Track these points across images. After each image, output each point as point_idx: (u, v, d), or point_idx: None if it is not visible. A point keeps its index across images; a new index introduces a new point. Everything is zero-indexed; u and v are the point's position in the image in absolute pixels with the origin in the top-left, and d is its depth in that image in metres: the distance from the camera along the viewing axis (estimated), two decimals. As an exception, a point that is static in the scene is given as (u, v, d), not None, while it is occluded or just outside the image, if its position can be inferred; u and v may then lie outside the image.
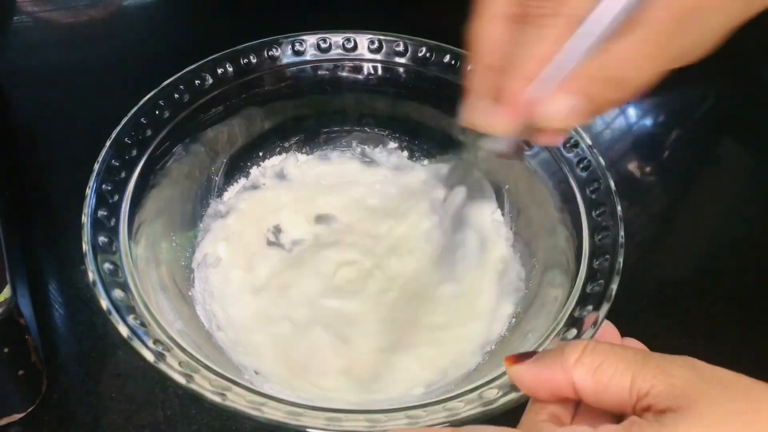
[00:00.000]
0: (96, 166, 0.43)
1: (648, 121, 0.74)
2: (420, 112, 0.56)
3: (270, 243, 0.54)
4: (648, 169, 0.69)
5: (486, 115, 0.36)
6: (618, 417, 0.30)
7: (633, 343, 0.36)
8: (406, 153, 0.58)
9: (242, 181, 0.56)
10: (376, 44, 0.54)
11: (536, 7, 0.32)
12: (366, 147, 0.58)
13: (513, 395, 0.34)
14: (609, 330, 0.37)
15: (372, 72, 0.54)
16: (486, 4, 0.35)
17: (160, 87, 0.48)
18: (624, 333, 0.38)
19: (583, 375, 0.30)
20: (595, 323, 0.37)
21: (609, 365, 0.29)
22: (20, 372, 0.45)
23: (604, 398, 0.29)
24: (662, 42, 0.31)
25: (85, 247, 0.39)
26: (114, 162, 0.43)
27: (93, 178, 0.42)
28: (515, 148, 0.37)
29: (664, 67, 0.31)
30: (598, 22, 0.31)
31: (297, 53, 0.53)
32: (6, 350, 0.43)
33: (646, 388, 0.28)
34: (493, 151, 0.38)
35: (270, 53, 0.52)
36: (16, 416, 0.47)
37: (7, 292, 0.42)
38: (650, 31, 0.31)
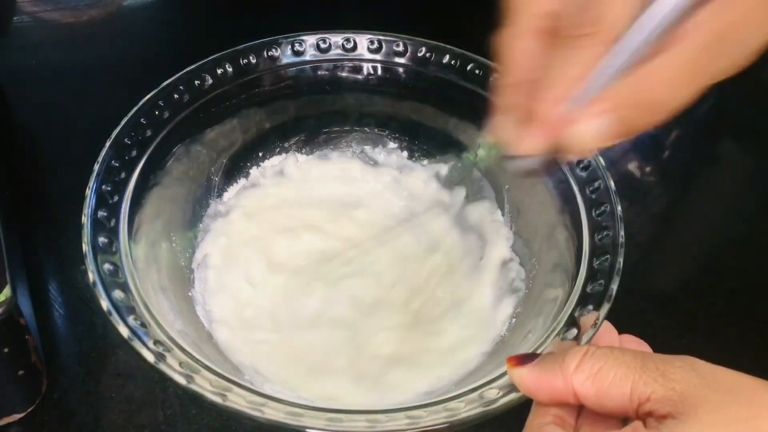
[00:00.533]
0: (96, 167, 0.43)
1: (648, 121, 0.74)
2: (420, 112, 0.56)
3: (270, 244, 0.53)
4: (648, 169, 0.69)
5: (516, 136, 0.34)
6: (623, 419, 0.30)
7: (631, 339, 0.36)
8: (405, 153, 0.58)
9: (242, 182, 0.56)
10: (376, 44, 0.54)
11: (572, 27, 0.31)
12: (366, 147, 0.58)
13: (513, 396, 0.34)
14: (606, 330, 0.37)
15: (372, 72, 0.54)
16: (518, 18, 0.34)
17: (159, 87, 0.48)
18: (624, 333, 0.38)
19: (583, 381, 0.30)
20: (595, 323, 0.37)
21: (608, 370, 0.29)
22: (20, 372, 0.45)
23: (605, 403, 0.29)
24: (699, 62, 0.29)
25: (85, 247, 0.39)
26: (114, 162, 0.43)
27: (93, 179, 0.42)
28: (543, 166, 0.35)
29: (700, 87, 0.30)
30: (633, 41, 0.30)
31: (297, 53, 0.53)
32: (6, 350, 0.43)
33: (647, 394, 0.28)
34: (520, 170, 0.36)
35: (270, 53, 0.52)
36: (16, 416, 0.47)
37: (7, 292, 0.42)
38: (687, 51, 0.29)
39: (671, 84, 0.30)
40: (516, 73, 0.34)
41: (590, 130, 0.31)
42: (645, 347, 0.36)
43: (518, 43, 0.34)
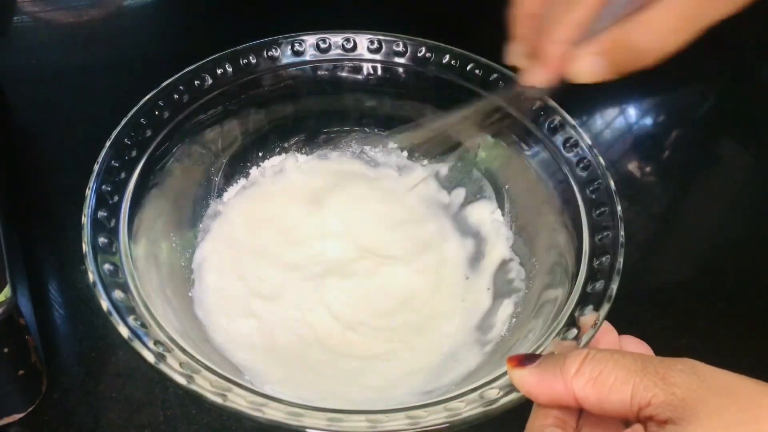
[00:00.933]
0: (96, 167, 0.43)
1: (648, 121, 0.74)
2: (420, 112, 0.56)
3: (269, 245, 0.53)
4: (648, 169, 0.69)
5: (530, 73, 0.40)
6: (624, 422, 0.30)
7: (631, 340, 0.36)
8: (405, 153, 0.58)
9: (242, 182, 0.56)
10: (376, 44, 0.54)
11: None
12: (366, 147, 0.58)
13: (514, 396, 0.34)
14: (606, 331, 0.37)
15: (372, 72, 0.54)
16: None
17: (159, 87, 0.48)
18: (624, 333, 0.38)
19: (583, 385, 0.30)
20: (595, 324, 0.37)
21: (609, 373, 0.29)
22: (20, 372, 0.45)
23: (606, 407, 0.29)
24: (688, 13, 0.33)
25: (85, 248, 0.39)
26: (114, 163, 0.43)
27: (93, 179, 0.42)
28: (548, 90, 0.41)
29: (687, 38, 0.33)
30: None
31: (296, 53, 0.53)
32: (6, 350, 0.43)
33: (648, 398, 0.28)
34: (530, 91, 0.43)
35: (269, 53, 0.52)
36: (16, 416, 0.47)
37: (7, 292, 0.42)
38: (673, 5, 0.33)
39: (659, 33, 0.34)
40: (527, 6, 0.39)
41: (585, 67, 0.36)
42: (645, 348, 0.36)
43: None
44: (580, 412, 0.32)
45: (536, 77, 0.39)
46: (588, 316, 0.38)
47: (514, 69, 0.43)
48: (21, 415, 0.47)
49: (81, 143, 0.51)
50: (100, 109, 0.51)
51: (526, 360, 0.33)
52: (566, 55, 0.37)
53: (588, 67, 0.36)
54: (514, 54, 0.41)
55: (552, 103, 0.49)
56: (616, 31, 0.34)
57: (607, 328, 0.37)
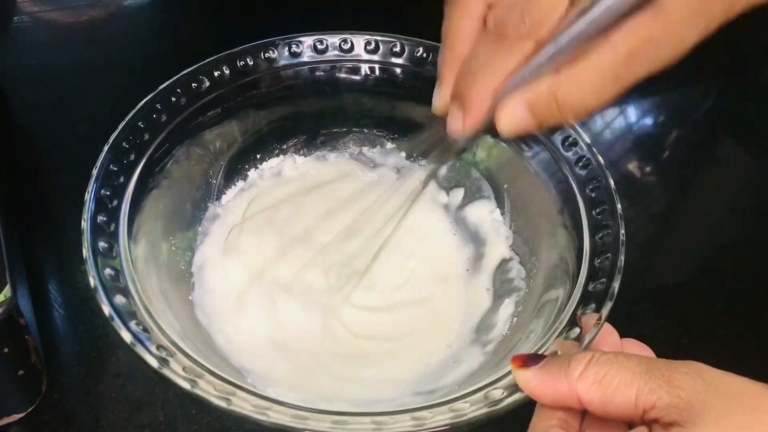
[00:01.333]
0: (94, 171, 0.42)
1: (648, 121, 0.74)
2: (418, 112, 0.56)
3: (268, 246, 0.53)
4: (648, 169, 0.69)
5: (451, 119, 0.38)
6: (628, 424, 0.30)
7: (632, 343, 0.36)
8: (404, 153, 0.58)
9: (240, 184, 0.56)
10: (373, 45, 0.54)
11: (514, 25, 0.33)
12: (364, 148, 0.58)
13: (518, 396, 0.34)
14: (608, 332, 0.37)
15: (369, 73, 0.54)
16: (464, 2, 0.36)
17: (157, 90, 0.48)
18: (624, 333, 0.38)
19: (588, 387, 0.30)
20: (597, 323, 0.37)
21: (613, 376, 0.29)
22: (20, 372, 0.45)
23: (610, 409, 0.29)
24: (619, 70, 0.31)
25: (86, 252, 0.39)
26: (112, 167, 0.43)
27: (91, 183, 0.42)
28: (471, 140, 0.39)
29: (619, 91, 0.32)
30: (561, 43, 0.32)
31: (294, 55, 0.53)
32: (6, 350, 0.43)
33: (652, 401, 0.28)
34: (455, 142, 0.39)
35: (267, 55, 0.52)
36: (16, 416, 0.47)
37: (7, 292, 0.42)
38: (608, 59, 0.31)
39: (582, 90, 0.32)
40: (456, 50, 0.37)
41: (508, 119, 0.35)
42: (647, 351, 0.36)
43: (461, 22, 0.37)
44: (583, 413, 0.32)
45: (458, 124, 0.37)
46: (589, 316, 0.38)
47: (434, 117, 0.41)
48: (21, 415, 0.47)
49: (81, 143, 0.51)
50: (100, 109, 0.51)
51: (530, 360, 0.33)
52: (491, 104, 0.35)
53: (511, 119, 0.34)
54: (440, 99, 0.39)
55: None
56: (543, 84, 0.33)
57: (609, 330, 0.37)
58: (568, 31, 0.31)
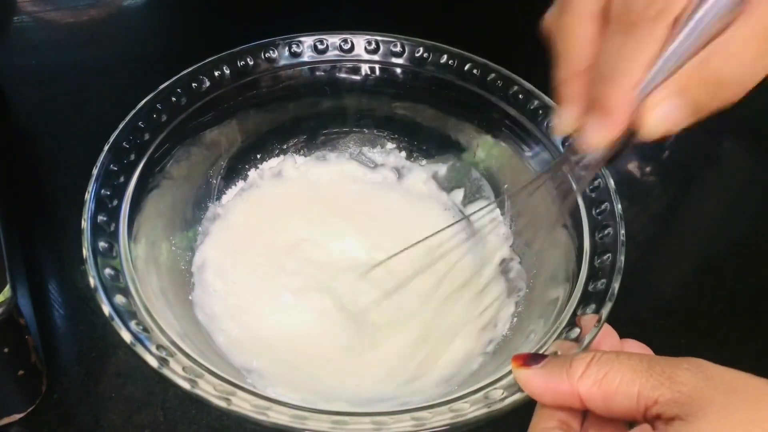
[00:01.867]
0: (94, 171, 0.42)
1: (648, 121, 0.74)
2: (418, 113, 0.56)
3: (269, 246, 0.53)
4: (648, 169, 0.69)
5: (587, 130, 0.33)
6: (629, 423, 0.30)
7: (632, 344, 0.36)
8: (404, 153, 0.58)
9: (240, 184, 0.56)
10: (373, 45, 0.54)
11: (641, 9, 0.29)
12: (364, 148, 0.58)
13: (518, 396, 0.34)
14: (608, 334, 0.37)
15: (369, 73, 0.54)
16: (574, 2, 0.32)
17: (157, 90, 0.48)
18: (624, 333, 0.38)
19: (589, 386, 0.30)
20: (597, 323, 0.37)
21: (615, 374, 0.29)
22: (20, 372, 0.45)
23: (613, 407, 0.29)
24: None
25: (86, 252, 0.39)
26: (112, 167, 0.43)
27: (92, 183, 0.42)
28: (610, 155, 0.35)
29: None
30: (700, 20, 0.29)
31: (294, 55, 0.53)
32: (6, 350, 0.43)
33: (654, 397, 0.28)
34: (592, 162, 0.36)
35: (267, 55, 0.52)
36: (16, 416, 0.47)
37: (7, 292, 0.42)
38: (754, 24, 0.28)
39: (740, 59, 0.29)
40: (578, 61, 0.33)
41: (660, 115, 0.31)
42: (647, 351, 0.36)
43: (577, 29, 0.32)
44: (584, 414, 0.32)
45: (600, 135, 0.32)
46: (589, 317, 0.38)
47: (566, 139, 0.36)
48: (21, 415, 0.47)
49: (81, 143, 0.51)
50: (100, 110, 0.51)
51: (530, 360, 0.33)
52: (633, 104, 0.31)
53: (665, 114, 0.30)
54: (567, 120, 0.35)
55: (550, 102, 0.49)
56: (690, 65, 0.29)
57: (609, 331, 0.37)
58: (704, 7, 0.29)
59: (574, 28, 0.32)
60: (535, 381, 0.32)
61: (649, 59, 0.30)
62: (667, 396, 0.28)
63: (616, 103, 0.31)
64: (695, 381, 0.28)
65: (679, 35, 0.29)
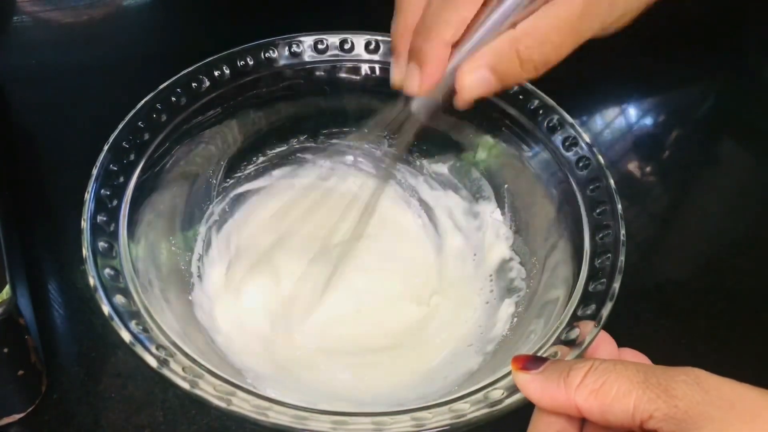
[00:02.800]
0: (94, 171, 0.42)
1: (648, 121, 0.74)
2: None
3: (270, 248, 0.53)
4: (648, 169, 0.69)
5: (408, 77, 0.37)
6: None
7: (629, 353, 0.36)
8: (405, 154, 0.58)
9: (241, 184, 0.56)
10: (373, 45, 0.54)
11: None
12: (364, 147, 0.58)
13: (518, 396, 0.34)
14: (606, 341, 0.37)
15: (369, 73, 0.54)
16: None
17: (156, 90, 0.48)
18: (624, 333, 0.38)
19: (586, 396, 0.30)
20: (598, 323, 0.37)
21: (611, 384, 0.29)
22: (20, 372, 0.45)
23: (609, 418, 0.29)
24: (578, 20, 0.31)
25: (86, 252, 0.39)
26: (112, 167, 0.43)
27: (91, 183, 0.42)
28: (435, 108, 0.39)
29: (577, 44, 0.32)
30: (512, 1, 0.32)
31: (294, 55, 0.53)
32: (6, 350, 0.43)
33: (650, 411, 0.28)
34: (419, 112, 0.39)
35: (267, 55, 0.52)
36: (16, 416, 0.47)
37: (7, 292, 0.42)
38: (562, 14, 0.31)
39: (547, 43, 0.32)
40: (409, 17, 0.37)
41: (472, 81, 0.34)
42: (644, 360, 0.35)
43: None
44: (582, 422, 0.32)
45: (415, 82, 0.37)
46: (587, 322, 0.38)
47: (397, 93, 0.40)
48: (21, 415, 0.47)
49: (81, 143, 0.51)
50: (100, 109, 0.51)
51: (530, 363, 0.33)
52: (454, 65, 0.35)
53: (476, 81, 0.34)
54: (397, 71, 0.39)
55: (550, 102, 0.49)
56: (501, 40, 0.33)
57: (607, 339, 0.37)
58: None
59: None
60: (533, 387, 0.32)
61: (464, 18, 0.34)
62: (662, 411, 0.27)
63: (430, 54, 0.35)
64: (692, 395, 0.27)
65: (497, 8, 0.33)
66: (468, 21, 0.34)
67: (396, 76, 0.39)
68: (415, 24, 0.36)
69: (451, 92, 0.36)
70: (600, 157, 0.46)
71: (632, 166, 0.69)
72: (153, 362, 0.35)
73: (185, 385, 0.34)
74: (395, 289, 0.52)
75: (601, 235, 0.42)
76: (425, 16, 0.35)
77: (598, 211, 0.43)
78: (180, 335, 0.38)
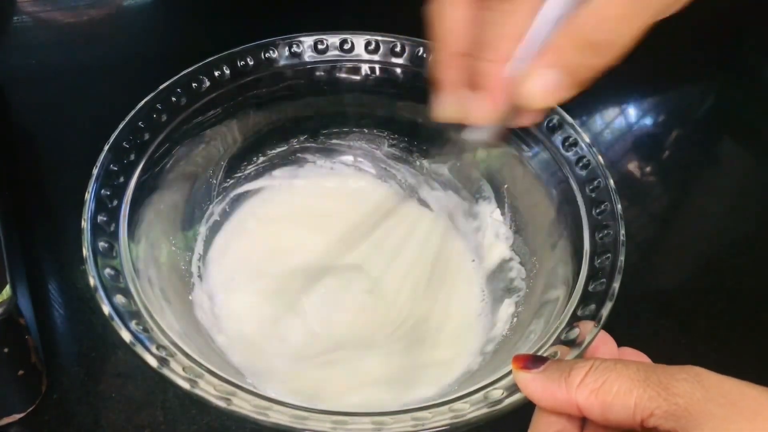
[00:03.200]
0: (94, 171, 0.42)
1: (648, 121, 0.74)
2: (418, 113, 0.56)
3: (270, 248, 0.53)
4: (648, 169, 0.69)
5: (467, 106, 0.34)
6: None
7: (630, 352, 0.36)
8: (405, 153, 0.58)
9: (241, 184, 0.56)
10: (373, 45, 0.54)
11: None
12: (364, 148, 0.58)
13: (518, 396, 0.34)
14: (605, 341, 0.37)
15: (369, 73, 0.54)
16: None
17: (157, 90, 0.48)
18: (624, 333, 0.38)
19: (587, 396, 0.30)
20: (597, 323, 0.37)
21: (612, 383, 0.29)
22: (20, 372, 0.45)
23: (610, 418, 0.29)
24: None
25: (86, 252, 0.39)
26: (112, 167, 0.43)
27: (91, 183, 0.42)
28: (500, 133, 0.35)
29: (645, 23, 0.29)
30: None
31: (294, 55, 0.53)
32: (6, 350, 0.43)
33: (651, 409, 0.28)
34: (477, 142, 0.36)
35: (267, 55, 0.52)
36: (16, 416, 0.47)
37: (7, 292, 0.42)
38: None
39: (614, 21, 0.29)
40: (453, 43, 0.33)
41: (540, 85, 0.31)
42: (644, 359, 0.35)
43: (450, 12, 0.33)
44: (583, 421, 0.32)
45: (483, 112, 0.33)
46: (587, 322, 0.38)
47: (447, 128, 0.36)
48: (21, 415, 0.47)
49: (81, 143, 0.51)
50: (100, 110, 0.51)
51: (530, 363, 0.33)
52: (513, 77, 0.31)
53: (543, 84, 0.30)
54: (447, 107, 0.35)
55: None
56: (564, 33, 0.29)
57: (606, 338, 0.37)
58: None
59: (445, 11, 0.33)
60: (534, 386, 0.32)
61: (519, 30, 0.30)
62: (663, 408, 0.27)
63: (490, 76, 0.32)
64: (692, 392, 0.27)
65: (548, 4, 0.30)
66: (525, 33, 0.31)
67: (448, 109, 0.36)
68: (459, 48, 0.33)
69: (512, 111, 0.33)
70: (599, 157, 0.46)
71: (632, 166, 0.69)
72: (153, 362, 0.35)
73: (185, 385, 0.34)
74: (394, 288, 0.52)
75: (600, 235, 0.42)
76: (477, 37, 0.32)
77: (597, 210, 0.43)
78: (180, 335, 0.38)
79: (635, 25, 0.29)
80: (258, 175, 0.56)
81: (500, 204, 0.54)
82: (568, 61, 0.30)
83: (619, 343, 0.37)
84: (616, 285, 0.39)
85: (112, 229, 0.41)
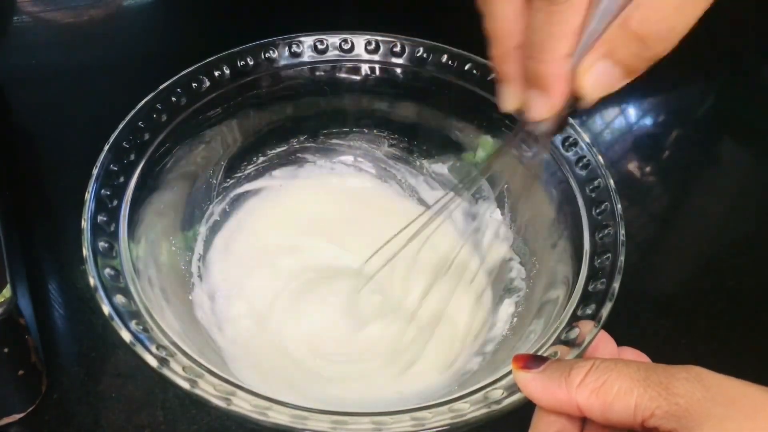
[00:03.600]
0: (94, 171, 0.42)
1: (648, 121, 0.74)
2: (418, 113, 0.56)
3: (270, 248, 0.53)
4: (648, 169, 0.69)
5: (533, 104, 0.34)
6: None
7: (629, 351, 0.36)
8: (405, 153, 0.58)
9: (241, 184, 0.56)
10: (373, 45, 0.54)
11: None
12: (364, 148, 0.58)
13: (518, 396, 0.34)
14: (605, 341, 0.37)
15: (369, 73, 0.54)
16: None
17: (157, 90, 0.48)
18: (624, 333, 0.38)
19: (587, 395, 0.30)
20: (597, 323, 0.37)
21: (612, 383, 0.29)
22: (20, 372, 0.45)
23: (610, 417, 0.29)
24: None
25: (86, 252, 0.39)
26: (112, 167, 0.43)
27: (92, 183, 0.42)
28: (560, 123, 0.35)
29: (700, 13, 0.29)
30: None
31: (294, 55, 0.53)
32: (6, 350, 0.43)
33: (651, 409, 0.28)
34: (541, 133, 0.36)
35: (267, 55, 0.52)
36: (16, 416, 0.47)
37: (7, 292, 0.42)
38: None
39: (661, 12, 0.29)
40: (509, 39, 0.33)
41: (596, 78, 0.31)
42: (644, 359, 0.35)
43: (504, 8, 0.33)
44: (583, 420, 0.32)
45: (542, 108, 0.33)
46: (587, 322, 0.38)
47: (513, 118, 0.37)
48: (21, 415, 0.47)
49: (81, 143, 0.51)
50: (100, 110, 0.51)
51: (531, 362, 0.33)
52: (570, 73, 0.32)
53: (599, 76, 0.31)
54: (509, 98, 0.36)
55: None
56: (616, 24, 0.30)
57: (606, 338, 0.37)
58: None
59: (500, 6, 0.33)
60: (534, 385, 0.32)
61: (576, 27, 0.30)
62: (663, 408, 0.27)
63: (552, 75, 0.32)
64: (692, 392, 0.27)
65: (599, 3, 0.30)
66: (581, 28, 0.30)
67: (509, 102, 0.36)
68: (515, 44, 0.33)
69: (571, 99, 0.33)
70: (599, 157, 0.46)
71: (632, 166, 0.69)
72: (153, 362, 0.35)
73: (185, 385, 0.34)
74: (394, 288, 0.52)
75: (600, 235, 0.42)
76: (533, 34, 0.32)
77: (597, 210, 0.43)
78: (180, 335, 0.38)
79: (690, 15, 0.29)
80: (258, 175, 0.56)
81: (500, 204, 0.54)
82: (623, 54, 0.30)
83: (619, 343, 0.37)
84: (616, 285, 0.39)
85: (112, 229, 0.41)
